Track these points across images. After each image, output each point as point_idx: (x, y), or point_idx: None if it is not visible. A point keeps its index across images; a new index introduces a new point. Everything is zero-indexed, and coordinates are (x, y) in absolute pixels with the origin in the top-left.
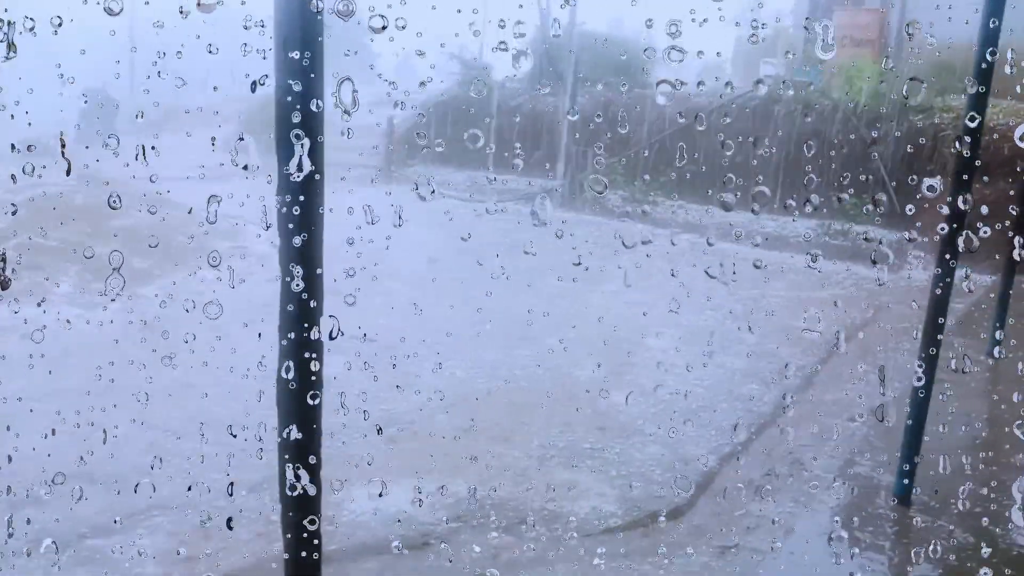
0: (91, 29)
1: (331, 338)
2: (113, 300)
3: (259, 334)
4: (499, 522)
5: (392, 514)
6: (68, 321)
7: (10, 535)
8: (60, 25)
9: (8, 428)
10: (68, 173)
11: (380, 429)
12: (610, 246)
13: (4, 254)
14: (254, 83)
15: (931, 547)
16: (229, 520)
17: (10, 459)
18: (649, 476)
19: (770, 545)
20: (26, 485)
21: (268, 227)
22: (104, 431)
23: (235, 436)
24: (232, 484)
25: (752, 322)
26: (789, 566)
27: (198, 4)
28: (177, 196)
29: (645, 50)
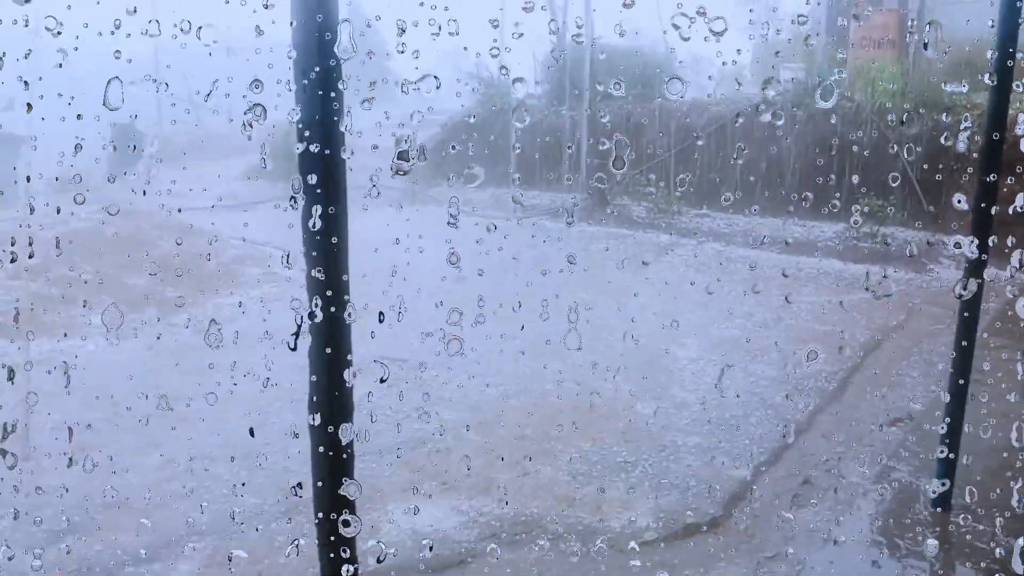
0: (112, 62)
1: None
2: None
3: (293, 348)
4: (534, 538)
5: (427, 532)
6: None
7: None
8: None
9: (48, 456)
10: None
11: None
12: (636, 257)
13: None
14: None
15: (971, 553)
16: (230, 556)
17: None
18: (683, 487)
19: (808, 554)
20: (63, 513)
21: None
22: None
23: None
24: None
25: (779, 329)
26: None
27: None
28: (205, 224)
29: (635, 52)
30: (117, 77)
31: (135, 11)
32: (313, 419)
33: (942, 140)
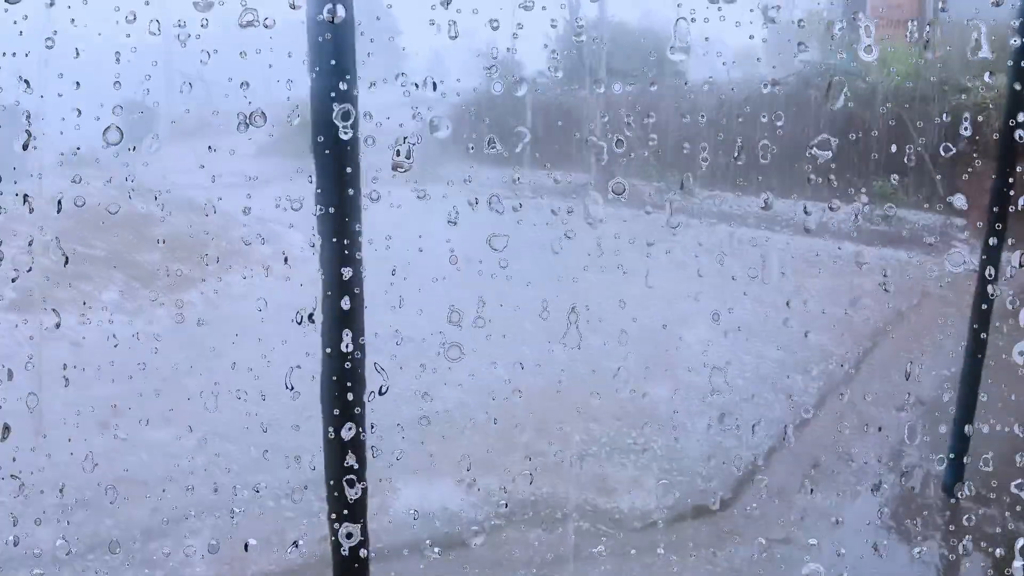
0: (122, 39)
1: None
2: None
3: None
4: (542, 518)
5: (435, 512)
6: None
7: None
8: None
9: (45, 436)
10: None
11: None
12: (644, 239)
13: None
14: None
15: (979, 539)
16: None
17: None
18: (692, 470)
19: (816, 539)
20: (74, 491)
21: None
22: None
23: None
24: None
25: (789, 312)
26: (835, 560)
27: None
28: (217, 203)
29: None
30: (116, 126)
31: (134, 18)
32: (324, 417)
33: (956, 123)
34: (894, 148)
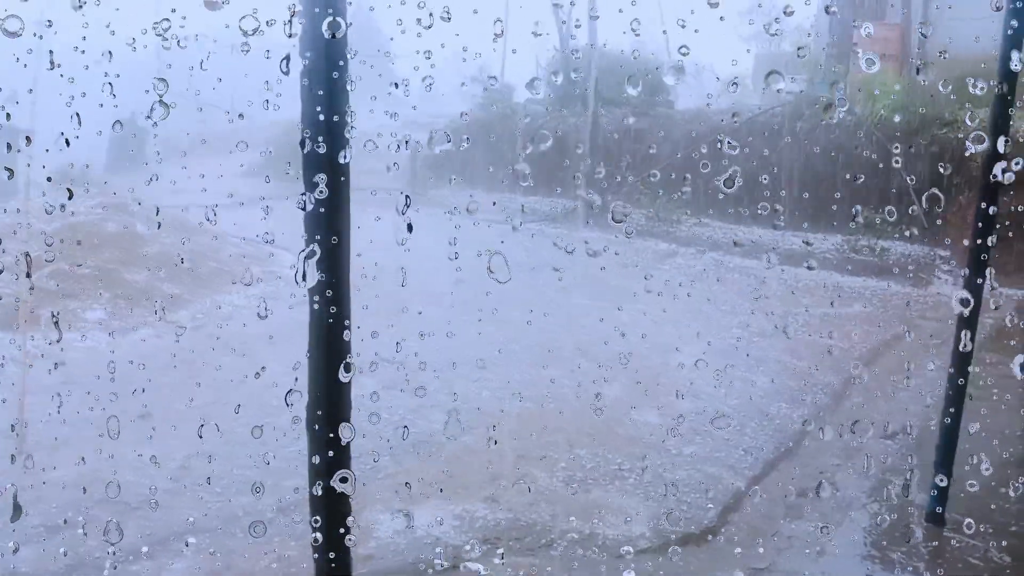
0: (116, 59)
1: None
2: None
3: (296, 365)
4: (528, 544)
5: (421, 536)
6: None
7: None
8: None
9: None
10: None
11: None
12: (635, 265)
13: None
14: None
15: (964, 568)
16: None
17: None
18: (679, 496)
19: (801, 566)
20: (61, 510)
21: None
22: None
23: (268, 463)
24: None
25: (775, 339)
26: None
27: (205, 3)
28: (202, 220)
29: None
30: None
31: (142, 31)
32: (309, 421)
33: (941, 154)
34: (876, 179)
